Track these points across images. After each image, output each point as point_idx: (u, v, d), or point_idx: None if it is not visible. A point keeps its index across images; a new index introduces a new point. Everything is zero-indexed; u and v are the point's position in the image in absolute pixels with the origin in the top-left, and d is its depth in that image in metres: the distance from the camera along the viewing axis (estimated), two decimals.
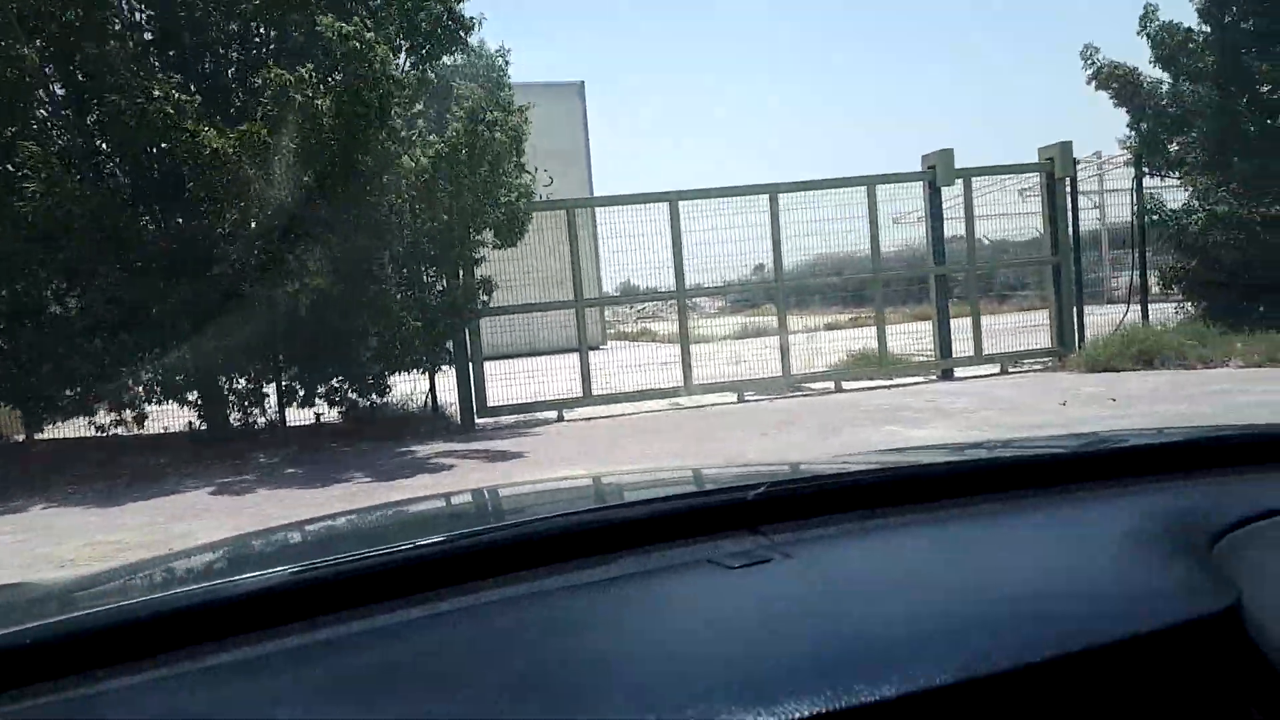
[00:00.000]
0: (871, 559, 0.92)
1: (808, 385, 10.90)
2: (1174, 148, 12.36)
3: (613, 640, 0.75)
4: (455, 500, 1.99)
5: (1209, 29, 12.01)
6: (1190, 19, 12.26)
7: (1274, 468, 1.13)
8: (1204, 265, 11.22)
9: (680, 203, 10.43)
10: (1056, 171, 10.99)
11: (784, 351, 10.79)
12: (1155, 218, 11.37)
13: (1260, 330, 9.62)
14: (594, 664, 0.69)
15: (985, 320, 11.08)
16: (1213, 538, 0.85)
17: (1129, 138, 13.08)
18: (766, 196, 10.68)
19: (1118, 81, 12.60)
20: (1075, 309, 11.10)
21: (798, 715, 0.57)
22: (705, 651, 0.70)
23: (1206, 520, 0.89)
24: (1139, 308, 11.33)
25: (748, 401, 10.32)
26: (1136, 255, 11.59)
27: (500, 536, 0.95)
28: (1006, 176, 11.86)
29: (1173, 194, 12.20)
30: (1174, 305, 11.91)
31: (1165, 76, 12.50)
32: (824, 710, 0.58)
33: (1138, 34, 12.38)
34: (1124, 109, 12.82)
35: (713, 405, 10.08)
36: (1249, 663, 0.70)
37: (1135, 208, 11.35)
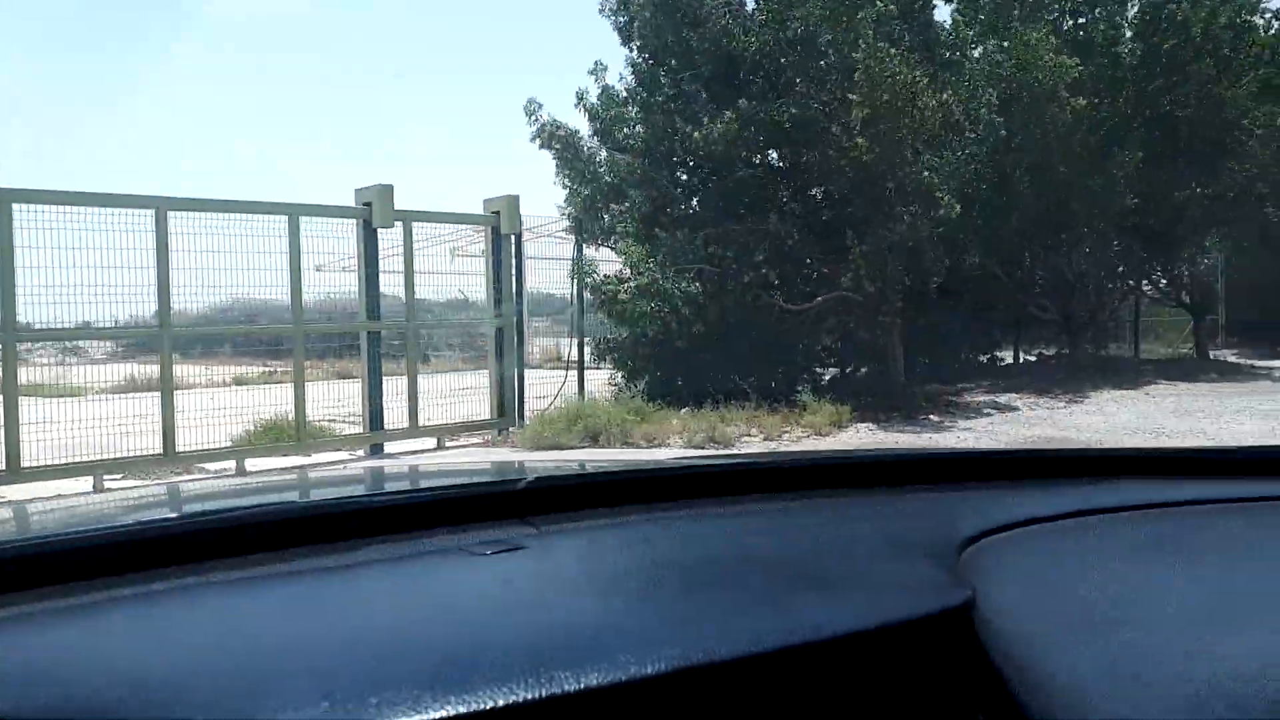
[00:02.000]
0: (620, 550, 0.94)
1: (201, 466, 8.36)
2: (607, 217, 12.45)
3: (320, 625, 0.73)
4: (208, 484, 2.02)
5: (640, 99, 12.36)
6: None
7: (1024, 483, 1.24)
8: (633, 339, 11.26)
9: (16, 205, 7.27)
10: (503, 226, 10.15)
11: (167, 422, 8.07)
12: (589, 282, 11.13)
13: (695, 406, 9.74)
14: (287, 649, 0.67)
15: (423, 384, 9.70)
16: (962, 544, 0.88)
17: (568, 201, 12.99)
18: (152, 212, 7.98)
19: (559, 143, 12.37)
20: (517, 377, 10.32)
21: (492, 703, 0.57)
22: (417, 637, 0.70)
23: (956, 527, 0.91)
24: (577, 377, 11.01)
25: (110, 490, 7.42)
26: (577, 323, 11.29)
27: (221, 519, 0.92)
28: (452, 226, 10.74)
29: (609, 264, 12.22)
30: (615, 378, 11.82)
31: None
32: (523, 699, 0.58)
33: (574, 107, 12.33)
34: (566, 171, 12.67)
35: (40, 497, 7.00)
36: (980, 665, 0.72)
37: (575, 274, 11.03)
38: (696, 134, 10.88)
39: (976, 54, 12.45)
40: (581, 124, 12.48)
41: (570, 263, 11.12)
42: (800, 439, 8.92)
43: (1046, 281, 15.39)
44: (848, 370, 13.15)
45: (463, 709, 0.57)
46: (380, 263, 9.36)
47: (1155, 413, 10.50)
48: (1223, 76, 13.75)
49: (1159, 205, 13.86)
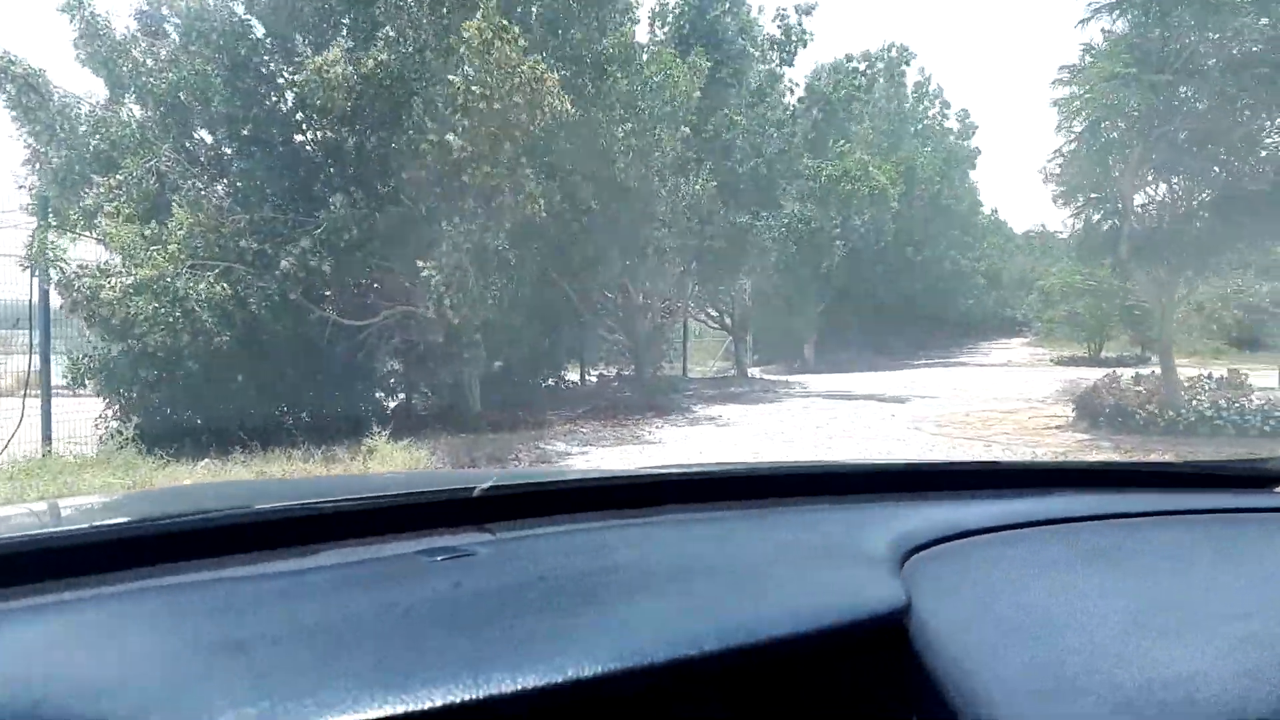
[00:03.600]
0: (570, 556, 0.93)
1: None
2: (93, 194, 9.16)
3: (263, 627, 0.72)
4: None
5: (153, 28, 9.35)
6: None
7: (966, 495, 1.25)
8: (131, 357, 8.21)
9: None
10: None
11: None
12: (59, 276, 7.92)
13: (220, 454, 7.13)
14: (229, 649, 0.67)
15: None
16: (905, 553, 0.89)
17: (31, 168, 9.43)
18: None
19: (14, 83, 8.87)
20: None
21: (429, 704, 0.59)
22: (359, 639, 0.70)
23: (899, 537, 0.92)
24: (41, 414, 7.75)
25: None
26: (39, 335, 7.98)
27: (189, 524, 0.92)
28: None
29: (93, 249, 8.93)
30: (106, 416, 8.54)
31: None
32: (460, 700, 0.60)
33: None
34: (27, 126, 9.15)
35: None
36: (916, 670, 0.74)
37: (33, 260, 7.77)
38: (243, 83, 8.31)
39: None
40: (58, 63, 9.12)
41: (27, 249, 7.80)
42: None
43: (612, 303, 15.10)
44: (413, 399, 11.32)
45: (400, 709, 0.58)
46: None
47: (747, 436, 10.27)
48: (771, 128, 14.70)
49: (721, 232, 14.19)
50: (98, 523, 0.89)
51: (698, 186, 12.58)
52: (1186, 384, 11.77)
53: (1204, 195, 7.90)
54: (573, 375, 16.14)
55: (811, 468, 1.38)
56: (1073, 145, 8.31)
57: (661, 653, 0.66)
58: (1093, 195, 8.49)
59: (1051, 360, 22.76)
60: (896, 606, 0.77)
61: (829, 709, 0.75)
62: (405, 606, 0.76)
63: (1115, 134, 7.74)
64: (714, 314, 19.37)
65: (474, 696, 0.59)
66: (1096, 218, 8.68)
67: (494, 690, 0.60)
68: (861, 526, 1.02)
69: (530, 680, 0.61)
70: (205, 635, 0.70)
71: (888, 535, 0.96)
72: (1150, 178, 8.08)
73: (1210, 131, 7.40)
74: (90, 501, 1.45)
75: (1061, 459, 7.63)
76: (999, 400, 13.46)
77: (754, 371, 19.61)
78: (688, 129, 12.54)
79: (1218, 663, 0.77)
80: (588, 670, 0.63)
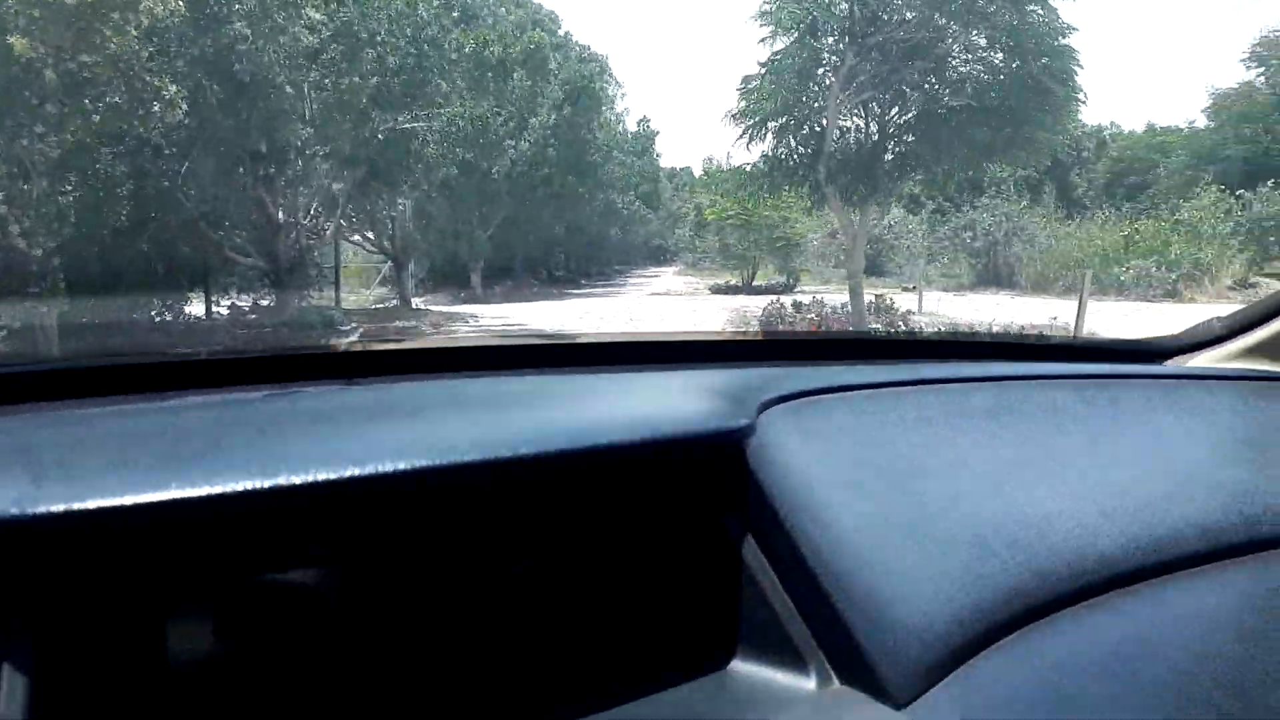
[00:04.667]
0: (422, 397, 0.91)
1: None
2: None
3: (93, 436, 0.71)
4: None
5: None
6: None
7: (841, 360, 1.24)
8: None
9: None
10: None
11: None
12: None
13: None
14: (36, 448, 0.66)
15: None
16: (764, 404, 0.85)
17: None
18: None
19: None
20: None
21: (201, 490, 0.57)
22: (175, 441, 0.68)
23: (761, 391, 0.87)
24: None
25: None
26: None
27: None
28: None
29: None
30: None
31: None
32: (234, 489, 0.57)
33: None
34: None
35: None
36: (752, 495, 0.72)
37: None
38: None
39: None
40: None
41: None
42: None
43: (248, 220, 12.53)
44: None
45: (170, 495, 0.57)
46: None
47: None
48: None
49: (375, 137, 12.15)
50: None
51: (344, 82, 10.49)
52: (836, 308, 12.19)
53: (909, 115, 7.64)
54: (195, 308, 13.34)
55: (670, 337, 1.34)
56: (780, 59, 7.63)
57: (475, 453, 0.63)
58: (791, 118, 7.90)
59: (709, 289, 23.36)
60: (736, 427, 0.74)
61: (646, 515, 0.73)
62: (232, 421, 0.75)
63: (829, 40, 7.17)
64: (371, 237, 17.17)
65: (255, 486, 0.57)
66: (793, 142, 8.15)
67: (283, 481, 0.57)
68: (725, 382, 0.91)
69: (326, 474, 0.59)
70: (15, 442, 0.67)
71: (744, 386, 0.87)
72: (855, 96, 7.65)
73: (915, 46, 7.07)
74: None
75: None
76: (681, 332, 13.07)
77: (417, 302, 17.80)
78: (316, 12, 10.41)
79: (1075, 505, 0.80)
80: (389, 466, 0.60)
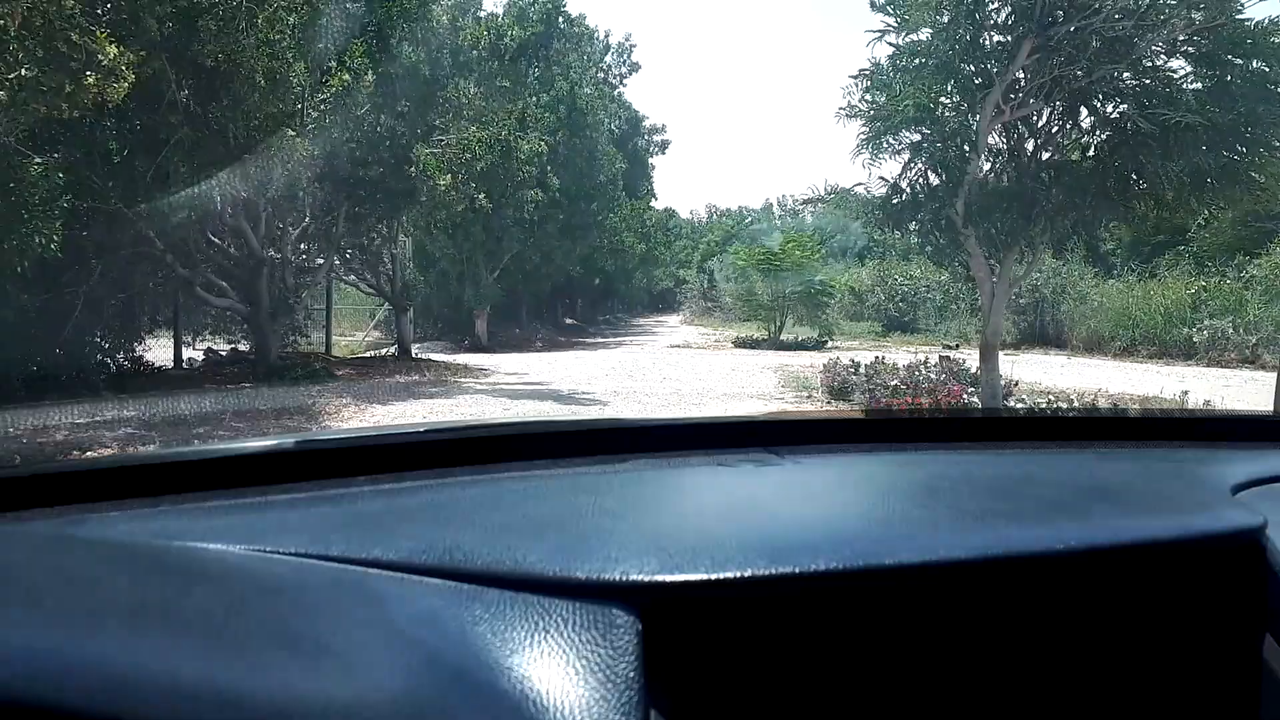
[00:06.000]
0: (869, 473, 0.99)
1: None
2: None
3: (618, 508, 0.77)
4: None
5: None
6: None
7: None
8: None
9: None
10: None
11: None
12: None
13: None
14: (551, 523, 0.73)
15: None
16: (1233, 488, 0.88)
17: None
18: None
19: None
20: None
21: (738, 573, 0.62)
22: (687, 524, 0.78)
23: (1222, 475, 0.91)
24: None
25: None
26: None
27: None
28: None
29: None
30: None
31: None
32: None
33: None
34: None
35: None
36: (1271, 589, 0.73)
37: None
38: None
39: None
40: None
41: None
42: None
43: (224, 254, 10.61)
44: None
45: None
46: None
47: None
48: None
49: (388, 163, 10.27)
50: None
51: (346, 78, 8.60)
52: (907, 368, 10.37)
53: (1101, 135, 5.82)
54: (162, 354, 11.34)
55: (1131, 413, 1.51)
56: (915, 62, 5.81)
57: (1014, 548, 0.66)
58: (928, 130, 6.02)
59: (732, 343, 21.45)
60: (1254, 525, 0.75)
61: (1177, 619, 0.72)
62: (714, 497, 0.86)
63: (991, 36, 5.34)
64: (369, 279, 15.22)
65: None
66: (924, 164, 6.28)
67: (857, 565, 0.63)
68: (1181, 463, 0.97)
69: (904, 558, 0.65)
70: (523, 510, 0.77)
71: (1209, 472, 0.90)
72: (1019, 107, 5.84)
73: (1115, 41, 5.27)
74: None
75: None
76: (734, 397, 11.06)
77: (417, 349, 15.82)
78: None
79: None
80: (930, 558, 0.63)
